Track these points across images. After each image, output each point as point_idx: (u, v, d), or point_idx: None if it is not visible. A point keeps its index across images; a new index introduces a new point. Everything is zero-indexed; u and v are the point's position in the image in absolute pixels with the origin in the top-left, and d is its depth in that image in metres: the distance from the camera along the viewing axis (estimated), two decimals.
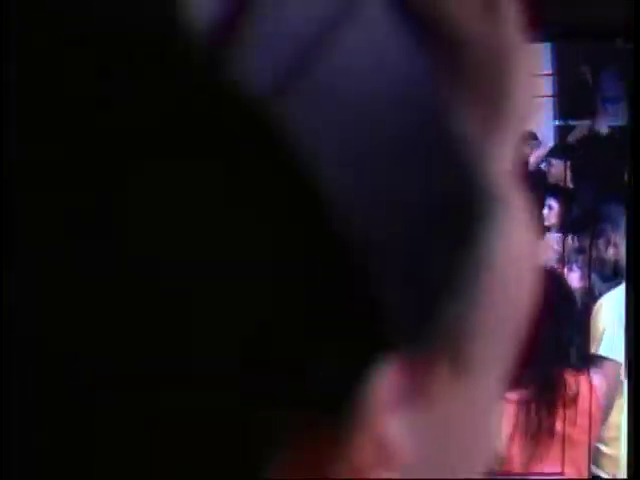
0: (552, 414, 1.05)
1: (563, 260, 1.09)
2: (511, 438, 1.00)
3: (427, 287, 0.15)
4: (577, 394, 1.04)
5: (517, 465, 1.06)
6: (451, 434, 0.18)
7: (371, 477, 0.16)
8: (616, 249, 1.38)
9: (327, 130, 0.14)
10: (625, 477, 1.15)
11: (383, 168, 0.14)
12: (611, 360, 1.23)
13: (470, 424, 0.19)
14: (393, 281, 0.15)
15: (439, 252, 0.15)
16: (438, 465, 0.18)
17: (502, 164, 0.17)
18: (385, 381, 0.15)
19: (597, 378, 1.19)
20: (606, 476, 1.42)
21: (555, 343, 0.96)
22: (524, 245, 0.18)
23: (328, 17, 0.14)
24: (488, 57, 0.17)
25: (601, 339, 1.26)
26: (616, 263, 1.37)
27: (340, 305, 0.15)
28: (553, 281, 0.95)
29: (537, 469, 1.04)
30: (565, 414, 0.97)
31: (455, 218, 0.16)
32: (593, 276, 1.28)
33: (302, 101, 0.14)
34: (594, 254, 1.12)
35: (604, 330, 1.26)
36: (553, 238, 1.47)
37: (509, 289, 0.18)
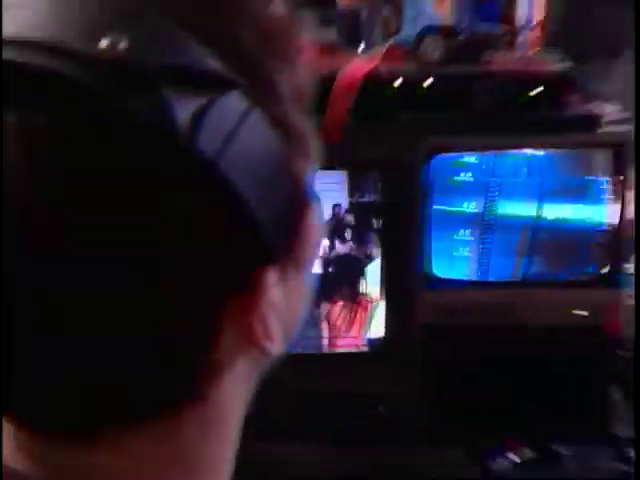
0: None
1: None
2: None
3: (274, 224, 0.28)
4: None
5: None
6: (295, 303, 0.33)
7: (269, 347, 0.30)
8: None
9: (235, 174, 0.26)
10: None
11: (257, 184, 0.27)
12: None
13: (301, 299, 0.34)
14: (266, 224, 0.27)
15: (276, 215, 0.28)
16: (290, 320, 0.32)
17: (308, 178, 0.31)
18: (271, 272, 0.29)
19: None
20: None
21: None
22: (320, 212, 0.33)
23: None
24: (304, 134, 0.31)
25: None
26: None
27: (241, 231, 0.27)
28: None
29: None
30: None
31: (287, 201, 0.29)
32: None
33: (227, 160, 0.25)
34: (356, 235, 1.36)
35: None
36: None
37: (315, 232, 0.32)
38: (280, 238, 0.30)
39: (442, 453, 0.99)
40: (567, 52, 1.07)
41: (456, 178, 1.02)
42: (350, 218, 1.02)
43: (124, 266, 0.26)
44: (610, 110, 1.01)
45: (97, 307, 0.26)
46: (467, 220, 1.02)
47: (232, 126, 0.27)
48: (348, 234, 1.04)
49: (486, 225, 1.03)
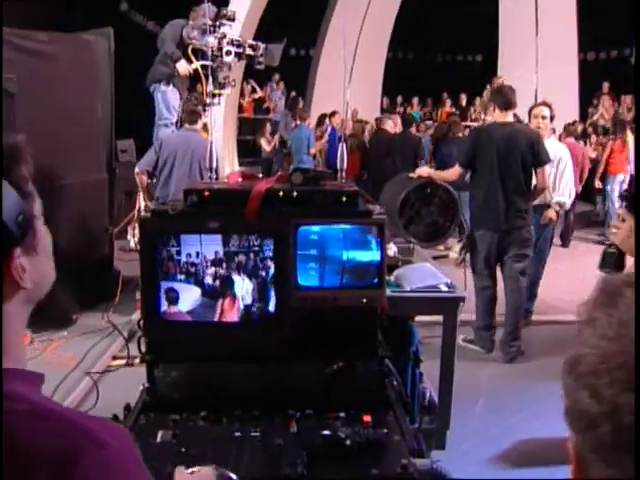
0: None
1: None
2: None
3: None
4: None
5: None
6: (41, 267, 0.69)
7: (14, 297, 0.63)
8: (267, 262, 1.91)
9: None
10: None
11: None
12: None
13: (44, 265, 0.71)
14: (11, 227, 0.63)
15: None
16: (41, 274, 0.69)
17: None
18: (16, 250, 0.64)
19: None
20: None
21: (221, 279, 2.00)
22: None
23: None
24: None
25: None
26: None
27: None
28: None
29: None
30: None
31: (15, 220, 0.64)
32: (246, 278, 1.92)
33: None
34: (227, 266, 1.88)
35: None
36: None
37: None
38: (19, 235, 0.59)
39: (297, 366, 1.97)
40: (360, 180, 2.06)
41: (309, 238, 1.86)
42: (223, 257, 1.87)
43: None
44: (377, 209, 1.98)
45: None
46: (314, 257, 1.88)
47: None
48: (224, 265, 1.86)
49: (322, 259, 1.90)
